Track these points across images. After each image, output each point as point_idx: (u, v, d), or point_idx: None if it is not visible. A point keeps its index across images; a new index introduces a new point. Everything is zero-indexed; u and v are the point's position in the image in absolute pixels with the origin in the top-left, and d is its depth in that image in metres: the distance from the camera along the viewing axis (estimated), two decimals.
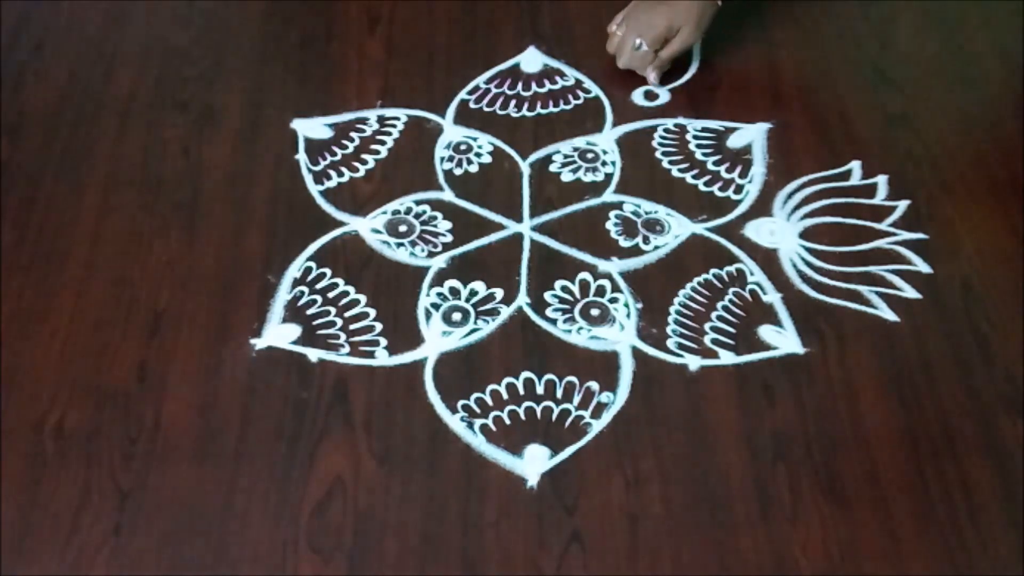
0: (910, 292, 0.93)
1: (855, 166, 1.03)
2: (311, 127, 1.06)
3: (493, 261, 0.96)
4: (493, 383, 0.87)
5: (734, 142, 1.06)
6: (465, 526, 0.79)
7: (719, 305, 0.93)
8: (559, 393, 0.87)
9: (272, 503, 0.81)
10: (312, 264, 0.95)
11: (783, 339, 0.90)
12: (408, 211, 1.00)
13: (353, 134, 1.06)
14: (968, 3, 1.19)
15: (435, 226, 0.98)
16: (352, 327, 0.91)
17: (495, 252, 0.97)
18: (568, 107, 1.09)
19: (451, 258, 0.96)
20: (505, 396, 0.87)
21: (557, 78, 1.12)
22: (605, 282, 0.94)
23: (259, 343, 0.90)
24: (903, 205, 1.00)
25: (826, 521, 0.80)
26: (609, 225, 0.99)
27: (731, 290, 0.94)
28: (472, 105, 1.09)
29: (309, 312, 0.92)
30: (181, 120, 1.07)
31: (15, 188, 1.01)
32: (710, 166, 1.04)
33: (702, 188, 1.02)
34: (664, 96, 1.10)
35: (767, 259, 0.96)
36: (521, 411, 0.86)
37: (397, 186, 1.02)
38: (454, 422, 0.85)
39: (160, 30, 1.16)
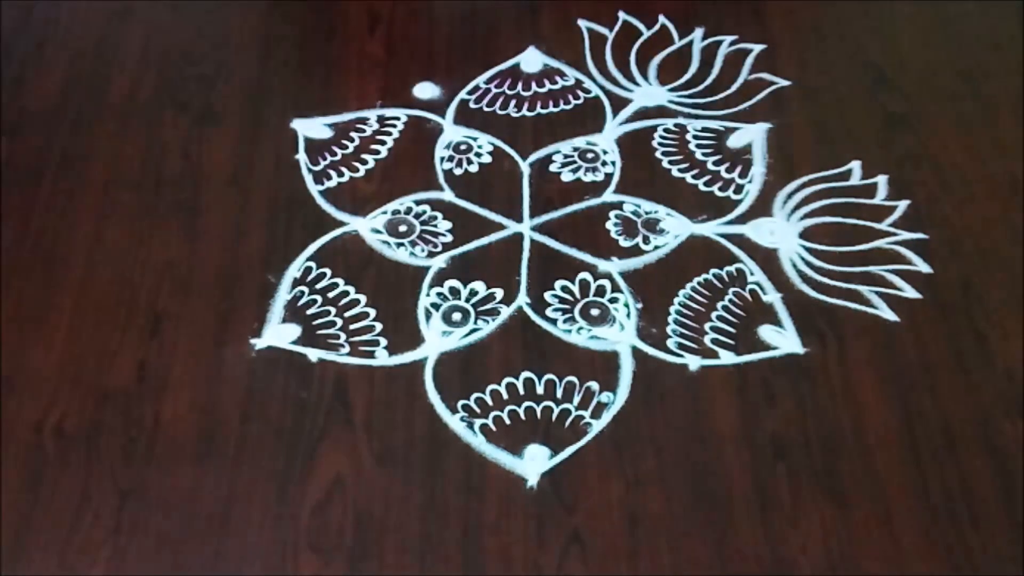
0: (910, 292, 0.93)
1: (855, 166, 1.03)
2: (311, 127, 1.06)
3: (493, 261, 0.96)
4: (493, 383, 0.87)
5: (734, 142, 1.06)
6: (465, 526, 0.79)
7: (719, 305, 0.93)
8: (559, 393, 0.87)
9: (272, 503, 0.81)
10: (312, 264, 0.95)
11: (783, 339, 0.90)
12: (408, 211, 1.00)
13: (353, 134, 1.06)
14: (968, 3, 1.19)
15: (435, 226, 0.98)
16: (352, 327, 0.91)
17: (495, 252, 0.97)
18: (568, 107, 1.09)
19: (451, 258, 0.96)
20: (505, 396, 0.87)
21: (557, 78, 1.12)
22: (605, 282, 0.94)
23: (259, 343, 0.90)
24: (903, 205, 1.00)
25: (826, 521, 0.80)
26: (609, 225, 0.99)
27: (731, 290, 0.94)
28: (472, 105, 1.09)
29: (309, 312, 0.92)
30: (181, 120, 1.07)
31: (15, 188, 1.01)
32: (710, 166, 1.04)
33: (702, 188, 1.02)
34: (661, 95, 1.10)
35: (767, 259, 0.96)
36: (521, 411, 0.86)
37: (397, 186, 1.02)
38: (454, 422, 0.85)
39: (160, 30, 1.16)
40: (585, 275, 0.95)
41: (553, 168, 1.03)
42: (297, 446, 0.84)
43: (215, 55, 1.13)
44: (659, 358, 0.89)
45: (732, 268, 0.95)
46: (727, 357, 0.89)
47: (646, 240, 0.97)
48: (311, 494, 0.81)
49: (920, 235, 0.98)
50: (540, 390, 0.87)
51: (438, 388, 0.87)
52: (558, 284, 0.94)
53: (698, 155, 1.04)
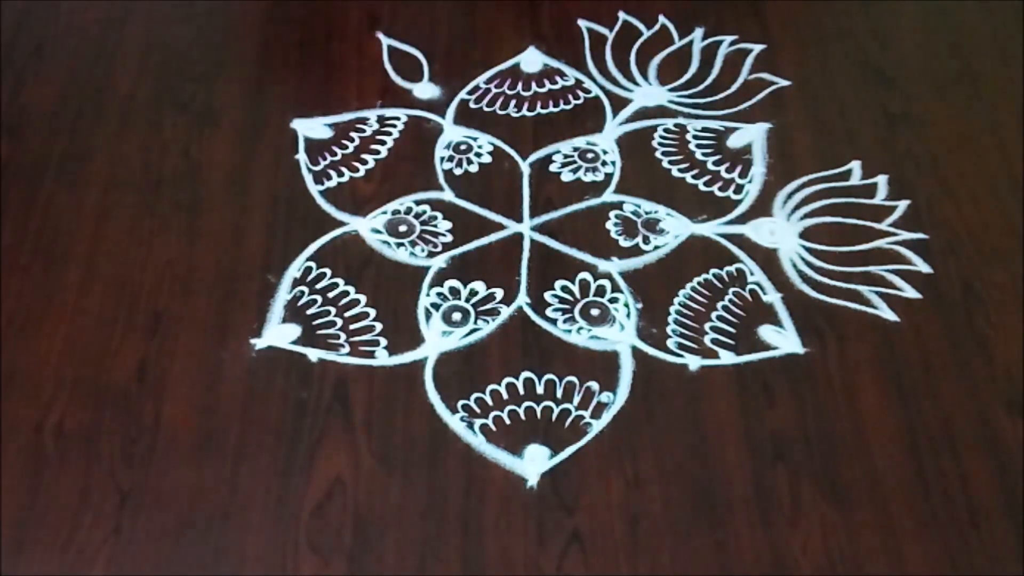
0: (910, 292, 0.94)
1: (855, 166, 1.03)
2: (311, 127, 1.06)
3: (493, 261, 0.96)
4: (493, 383, 0.87)
5: (734, 142, 1.06)
6: (465, 526, 0.80)
7: (719, 305, 0.93)
8: (559, 393, 0.87)
9: (272, 503, 0.81)
10: (312, 264, 0.95)
11: (783, 339, 0.90)
12: (408, 211, 1.00)
13: (353, 134, 1.06)
14: (968, 3, 1.19)
15: (435, 226, 0.99)
16: (352, 327, 0.91)
17: (495, 252, 0.97)
18: (568, 107, 1.09)
19: (451, 258, 0.96)
20: (505, 396, 0.87)
21: (557, 78, 1.12)
22: (605, 282, 0.94)
23: (259, 343, 0.90)
24: (903, 205, 1.00)
25: (826, 521, 0.80)
26: (609, 225, 0.99)
27: (731, 290, 0.94)
28: (472, 105, 1.09)
29: (309, 312, 0.92)
30: (181, 120, 1.07)
31: (15, 188, 1.01)
32: (710, 166, 1.04)
33: (702, 188, 1.02)
34: (661, 95, 1.10)
35: (767, 259, 0.96)
36: (521, 411, 0.86)
37: (397, 186, 1.02)
38: (454, 422, 0.85)
39: (160, 30, 1.16)
40: (585, 275, 0.95)
41: (553, 168, 1.03)
42: (297, 446, 0.84)
43: (215, 55, 1.13)
44: (659, 358, 0.89)
45: (732, 268, 0.95)
46: (727, 357, 0.89)
47: (646, 240, 0.97)
48: (311, 494, 0.81)
49: (920, 235, 0.98)
50: (540, 390, 0.87)
51: (438, 388, 0.87)
52: (558, 284, 0.94)
53: (698, 155, 1.04)
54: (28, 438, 0.84)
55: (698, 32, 1.16)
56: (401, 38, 1.15)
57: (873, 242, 0.97)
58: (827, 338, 0.90)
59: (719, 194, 1.01)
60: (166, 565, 0.78)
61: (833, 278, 0.95)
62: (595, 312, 0.92)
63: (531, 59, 1.13)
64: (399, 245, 0.97)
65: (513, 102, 1.09)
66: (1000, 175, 1.03)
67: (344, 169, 1.03)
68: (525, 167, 1.03)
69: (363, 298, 0.93)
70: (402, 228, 0.98)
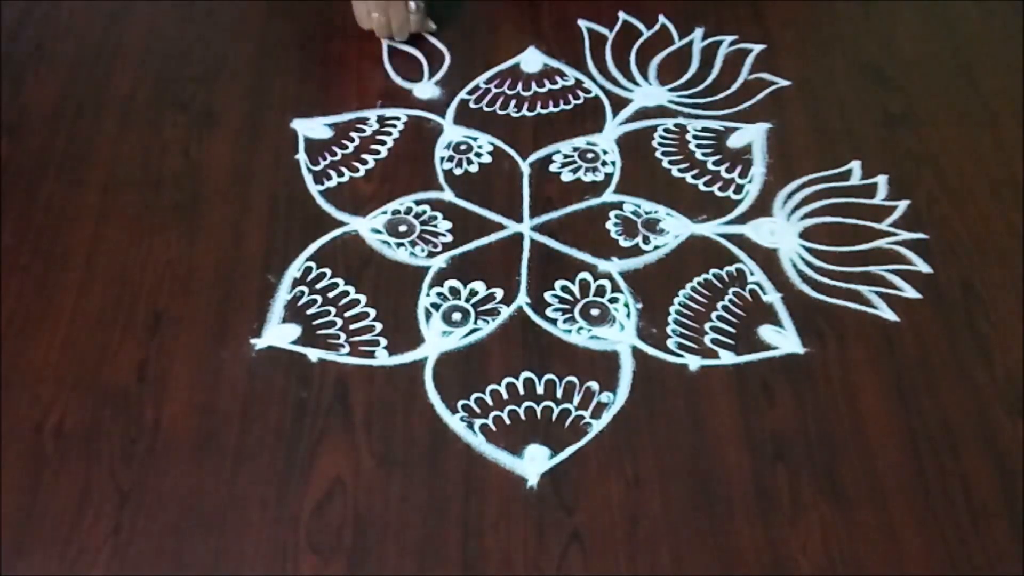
0: (910, 292, 0.94)
1: (855, 166, 1.03)
2: (311, 127, 1.07)
3: (493, 261, 0.96)
4: (493, 383, 0.87)
5: (734, 142, 1.06)
6: (465, 526, 0.80)
7: (719, 305, 0.93)
8: (559, 393, 0.87)
9: (272, 503, 0.81)
10: (312, 264, 0.95)
11: (783, 339, 0.90)
12: (408, 211, 1.00)
13: (353, 134, 1.06)
14: (968, 3, 1.19)
15: (435, 226, 0.99)
16: (352, 327, 0.91)
17: (495, 252, 0.97)
18: (568, 107, 1.09)
19: (451, 258, 0.96)
20: (505, 396, 0.87)
21: (557, 78, 1.12)
22: (605, 282, 0.94)
23: (259, 343, 0.90)
24: (903, 205, 1.00)
25: (826, 521, 0.80)
26: (609, 225, 0.99)
27: (731, 290, 0.94)
28: (472, 105, 1.09)
29: (309, 312, 0.92)
30: (181, 120, 1.07)
31: (15, 188, 1.01)
32: (710, 166, 1.04)
33: (702, 188, 1.02)
34: (661, 95, 1.10)
35: (767, 259, 0.96)
36: (521, 411, 0.86)
37: (397, 186, 1.02)
38: (454, 422, 0.85)
39: (160, 30, 1.16)
40: (585, 275, 0.95)
41: (553, 168, 1.03)
42: (297, 446, 0.84)
43: (215, 55, 1.13)
44: (659, 358, 0.89)
45: (732, 268, 0.95)
46: (727, 357, 0.89)
47: (646, 240, 0.98)
48: (311, 494, 0.81)
49: (920, 235, 0.98)
50: (540, 390, 0.87)
51: (438, 388, 0.87)
52: (558, 284, 0.94)
53: (698, 155, 1.04)
54: (28, 438, 0.84)
55: (698, 32, 1.16)
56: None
57: (873, 242, 0.97)
58: (827, 338, 0.90)
59: (719, 194, 1.01)
60: (166, 565, 0.78)
61: (833, 278, 0.95)
62: (595, 312, 0.92)
63: (531, 59, 1.13)
64: (399, 245, 0.97)
65: (513, 102, 1.09)
66: (1000, 175, 1.03)
67: (344, 169, 1.03)
68: (525, 167, 1.03)
69: (363, 298, 0.93)
70: (402, 228, 0.98)
